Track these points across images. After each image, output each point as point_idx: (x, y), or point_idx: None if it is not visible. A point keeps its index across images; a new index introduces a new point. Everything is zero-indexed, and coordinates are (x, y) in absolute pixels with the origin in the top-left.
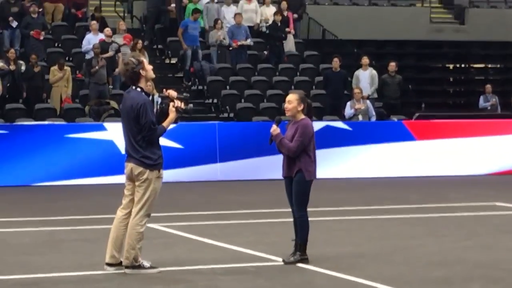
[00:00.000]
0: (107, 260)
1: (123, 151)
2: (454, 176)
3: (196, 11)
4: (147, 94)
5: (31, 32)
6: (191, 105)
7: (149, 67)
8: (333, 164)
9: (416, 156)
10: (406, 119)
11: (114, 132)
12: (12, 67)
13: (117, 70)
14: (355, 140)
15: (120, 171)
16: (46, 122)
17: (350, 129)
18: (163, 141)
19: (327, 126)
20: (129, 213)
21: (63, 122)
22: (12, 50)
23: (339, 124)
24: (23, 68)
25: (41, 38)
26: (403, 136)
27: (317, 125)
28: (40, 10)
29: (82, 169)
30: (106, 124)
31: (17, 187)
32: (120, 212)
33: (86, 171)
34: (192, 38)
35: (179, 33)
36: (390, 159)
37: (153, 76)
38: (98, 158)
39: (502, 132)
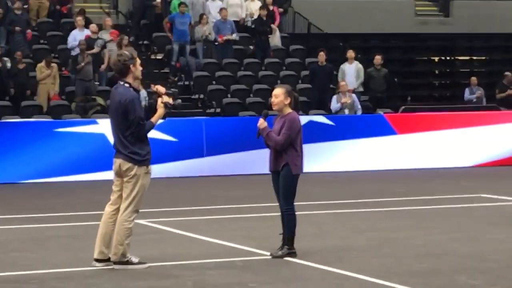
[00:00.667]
0: (96, 256)
1: (111, 147)
2: (440, 168)
3: (182, 4)
4: (135, 90)
5: (17, 28)
6: (179, 101)
7: (139, 67)
8: (319, 158)
9: (402, 149)
10: (392, 113)
11: (105, 126)
12: None
13: (103, 66)
14: (340, 134)
15: (109, 167)
16: (33, 119)
17: (333, 124)
18: (151, 137)
19: (310, 122)
20: (118, 209)
21: (50, 119)
22: None
23: (322, 119)
24: (8, 65)
25: (30, 37)
26: (388, 129)
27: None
28: (25, 6)
29: (70, 166)
30: (97, 119)
31: (4, 184)
32: (108, 208)
33: (74, 168)
34: (181, 33)
35: (165, 27)
36: (376, 152)
37: (140, 76)
38: (87, 153)
39: (487, 124)
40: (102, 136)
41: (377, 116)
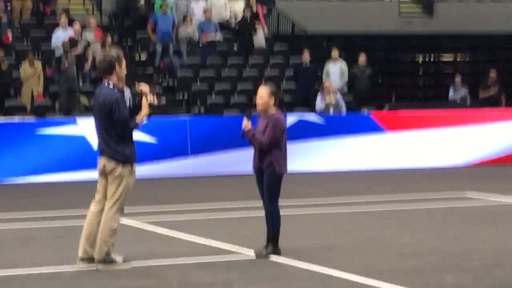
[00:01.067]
0: (80, 255)
1: (95, 147)
2: (424, 167)
3: (163, 4)
4: (119, 90)
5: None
6: (163, 101)
7: (124, 69)
8: (304, 157)
9: (387, 148)
10: (375, 110)
11: (85, 128)
12: None
13: (87, 66)
14: (326, 133)
15: (91, 166)
16: (15, 120)
17: (321, 122)
18: (135, 137)
19: (300, 121)
20: (103, 209)
21: (33, 119)
22: None
23: (311, 118)
24: None
25: (10, 40)
26: (373, 128)
27: (289, 119)
28: (8, 8)
29: (53, 165)
30: (78, 119)
31: None
32: (93, 208)
33: (57, 167)
34: (163, 33)
35: (149, 28)
36: (361, 151)
37: (123, 77)
38: (70, 153)
39: (471, 123)
40: (82, 138)
41: (364, 115)
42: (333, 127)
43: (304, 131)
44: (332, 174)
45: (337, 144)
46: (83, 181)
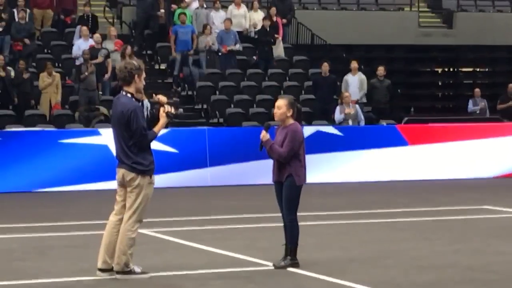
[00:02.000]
0: (99, 265)
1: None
2: (443, 180)
3: (181, 13)
4: (137, 100)
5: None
6: (181, 110)
7: (143, 80)
8: (323, 168)
9: (406, 160)
10: (395, 123)
11: (108, 137)
12: (2, 73)
13: (106, 76)
14: (346, 145)
15: (112, 177)
16: (36, 128)
17: (341, 134)
18: (154, 147)
19: (318, 131)
20: (122, 219)
21: (53, 128)
22: (1, 57)
23: (330, 129)
24: (12, 74)
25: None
26: (395, 140)
27: (308, 130)
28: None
29: (73, 176)
30: (100, 130)
31: (8, 193)
32: (113, 218)
33: (78, 177)
34: (183, 43)
35: (171, 40)
36: (380, 163)
37: (141, 89)
38: (91, 163)
39: (491, 136)
40: (105, 147)
41: (387, 127)
42: (352, 139)
43: (322, 143)
44: (351, 186)
45: (356, 155)
46: (103, 190)
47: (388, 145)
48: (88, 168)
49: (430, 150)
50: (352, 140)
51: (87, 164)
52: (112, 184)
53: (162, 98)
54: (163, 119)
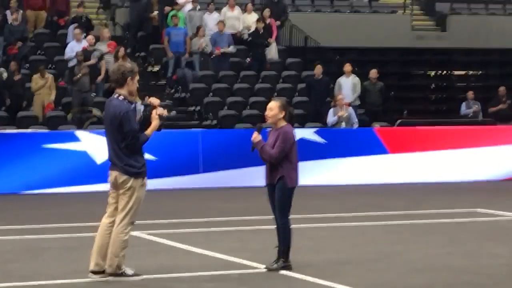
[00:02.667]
0: (92, 267)
1: (97, 161)
2: (436, 183)
3: (174, 15)
4: (130, 102)
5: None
6: (174, 112)
7: (136, 83)
8: (315, 171)
9: (398, 163)
10: (388, 126)
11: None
12: None
13: (100, 77)
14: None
15: (96, 181)
16: (28, 130)
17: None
18: (147, 149)
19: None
20: (114, 221)
21: (46, 130)
22: None
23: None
24: (4, 75)
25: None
26: (386, 144)
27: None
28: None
29: (62, 178)
30: (80, 134)
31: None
32: (105, 220)
33: (66, 180)
34: (176, 44)
35: (165, 42)
36: (372, 165)
37: (134, 92)
38: (76, 166)
39: (483, 139)
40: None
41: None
42: (338, 144)
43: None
44: (344, 188)
45: (348, 158)
46: (94, 192)
47: (380, 148)
48: (72, 170)
49: (423, 153)
50: (341, 142)
51: (71, 166)
52: (101, 187)
53: (154, 100)
54: (155, 121)
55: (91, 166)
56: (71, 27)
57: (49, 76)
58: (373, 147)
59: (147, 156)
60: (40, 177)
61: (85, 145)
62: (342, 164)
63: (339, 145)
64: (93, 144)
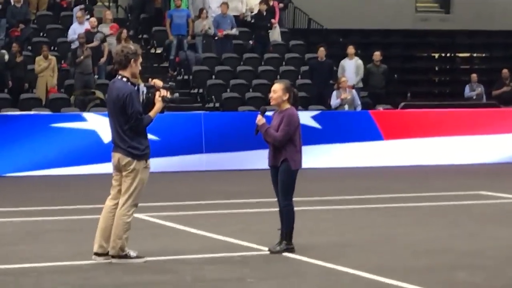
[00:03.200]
0: (95, 249)
1: (105, 141)
2: (438, 165)
3: None
4: (133, 84)
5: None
6: (177, 94)
7: (139, 65)
8: (318, 153)
9: (400, 146)
10: (391, 108)
11: (95, 123)
12: None
13: (102, 60)
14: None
15: (102, 160)
16: (31, 112)
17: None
18: (150, 131)
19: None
20: (118, 203)
21: (49, 112)
22: None
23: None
24: (6, 57)
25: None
26: (388, 126)
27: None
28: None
29: (67, 159)
30: (86, 115)
31: (1, 177)
32: (109, 202)
33: (70, 161)
34: (178, 27)
35: (167, 24)
36: (373, 148)
37: (137, 74)
38: (82, 148)
39: (487, 122)
40: (93, 133)
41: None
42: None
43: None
44: (347, 171)
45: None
46: (97, 174)
47: (381, 131)
48: (78, 152)
49: (426, 135)
50: (348, 123)
51: (77, 148)
52: (104, 168)
53: (157, 82)
54: (158, 104)
55: (100, 145)
56: (76, 8)
57: (52, 58)
58: (370, 132)
59: (150, 136)
60: (48, 157)
61: (92, 124)
62: (344, 147)
63: (341, 128)
64: (101, 124)
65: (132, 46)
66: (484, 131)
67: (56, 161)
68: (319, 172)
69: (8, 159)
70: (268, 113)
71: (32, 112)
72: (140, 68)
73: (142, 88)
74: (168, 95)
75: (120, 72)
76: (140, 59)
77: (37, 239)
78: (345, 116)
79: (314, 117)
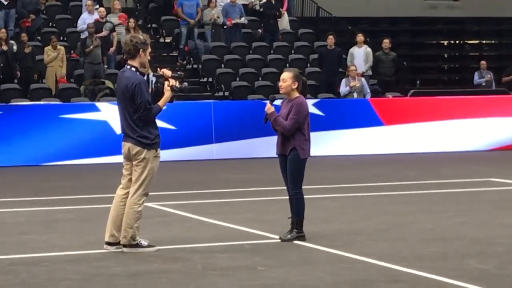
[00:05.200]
0: (107, 239)
1: (117, 131)
2: (448, 152)
3: None
4: (142, 74)
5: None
6: (186, 84)
7: (148, 55)
8: (328, 141)
9: (410, 134)
10: (400, 96)
11: (108, 113)
12: (5, 47)
13: (111, 49)
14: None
15: (114, 152)
16: (41, 102)
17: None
18: (160, 120)
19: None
20: (129, 192)
21: (59, 102)
22: (3, 30)
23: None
24: (15, 48)
25: (29, 22)
26: (399, 113)
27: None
28: None
29: (78, 149)
30: (99, 104)
31: (13, 167)
32: (119, 192)
33: (81, 151)
34: (188, 15)
35: (179, 13)
36: (384, 136)
37: (146, 64)
38: (93, 138)
39: (496, 108)
40: (104, 123)
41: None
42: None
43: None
44: (356, 158)
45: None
46: (109, 164)
47: (392, 118)
48: (89, 142)
49: (435, 122)
50: (354, 112)
51: (88, 138)
52: (115, 158)
53: (166, 71)
54: (167, 93)
55: (112, 136)
56: None
57: (61, 48)
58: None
59: (166, 125)
60: (60, 148)
61: (105, 115)
62: (351, 133)
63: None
64: (114, 114)
65: (141, 36)
66: (493, 117)
67: (68, 152)
68: (328, 160)
69: (20, 149)
70: (277, 102)
71: (42, 102)
72: (149, 57)
73: (151, 77)
74: (177, 84)
75: (129, 62)
76: (149, 49)
77: (48, 229)
78: (348, 103)
79: (315, 105)
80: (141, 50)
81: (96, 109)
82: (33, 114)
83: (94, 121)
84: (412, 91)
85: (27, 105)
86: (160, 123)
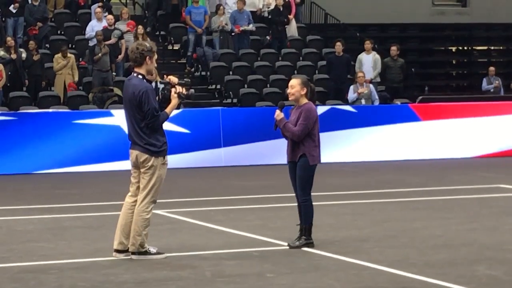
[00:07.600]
0: (116, 246)
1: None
2: (457, 158)
3: None
4: (149, 81)
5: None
6: (192, 90)
7: (154, 62)
8: (338, 147)
9: (420, 139)
10: (409, 103)
11: (121, 118)
12: (13, 55)
13: (120, 57)
14: (360, 122)
15: (127, 156)
16: (51, 110)
17: (355, 111)
18: (167, 127)
19: (332, 109)
20: (137, 200)
21: (68, 110)
22: (10, 38)
23: (344, 107)
24: (23, 56)
25: (37, 30)
26: (407, 118)
27: (322, 108)
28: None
29: (88, 156)
30: (112, 111)
31: (22, 174)
32: (128, 199)
33: (91, 158)
34: (196, 23)
35: (187, 20)
36: (393, 142)
37: (152, 71)
38: (104, 144)
39: (505, 114)
40: (117, 128)
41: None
42: (366, 117)
43: (336, 121)
44: (365, 165)
45: (369, 134)
46: (118, 171)
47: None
48: (102, 148)
49: (443, 128)
50: (366, 118)
51: (101, 144)
52: (125, 164)
53: (173, 79)
54: (174, 100)
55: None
56: (95, 5)
57: (71, 56)
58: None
59: (181, 129)
60: (72, 154)
61: (118, 120)
62: (368, 136)
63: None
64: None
65: (147, 43)
66: (502, 124)
67: (82, 158)
68: (337, 167)
69: (33, 156)
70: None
71: (51, 110)
72: (155, 65)
73: (159, 84)
74: (184, 91)
75: (136, 69)
76: (156, 56)
77: (57, 236)
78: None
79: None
80: (147, 57)
81: (109, 114)
82: (45, 121)
83: (107, 126)
84: (420, 97)
85: (39, 112)
86: (172, 127)
